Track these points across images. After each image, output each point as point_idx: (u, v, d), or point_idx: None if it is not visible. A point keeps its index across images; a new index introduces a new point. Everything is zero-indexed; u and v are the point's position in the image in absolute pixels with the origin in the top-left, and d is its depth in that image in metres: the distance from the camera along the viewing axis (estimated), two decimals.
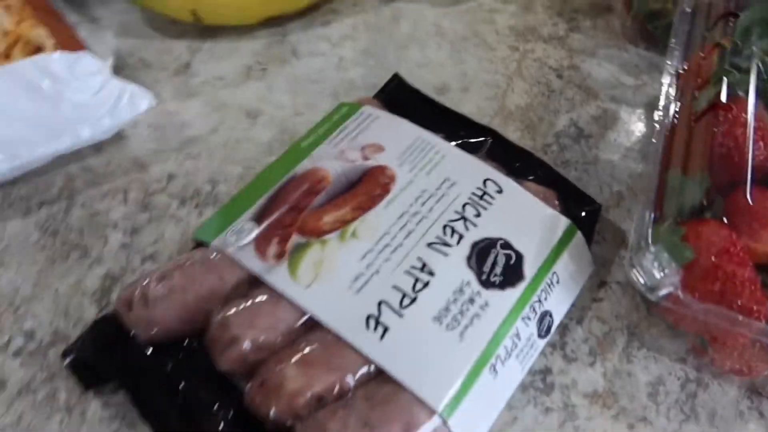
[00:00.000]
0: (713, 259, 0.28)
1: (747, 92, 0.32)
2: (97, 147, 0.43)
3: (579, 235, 0.36)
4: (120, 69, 0.49)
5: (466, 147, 0.40)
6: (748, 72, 0.34)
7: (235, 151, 0.44)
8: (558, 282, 0.35)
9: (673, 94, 0.36)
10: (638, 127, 0.47)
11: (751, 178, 0.31)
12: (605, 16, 0.56)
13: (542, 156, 0.44)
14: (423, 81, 0.49)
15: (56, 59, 0.37)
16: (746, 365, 0.32)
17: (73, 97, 0.38)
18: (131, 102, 0.41)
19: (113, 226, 0.40)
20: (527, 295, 0.33)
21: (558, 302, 0.35)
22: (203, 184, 0.42)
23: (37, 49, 0.39)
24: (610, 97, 0.49)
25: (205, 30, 0.51)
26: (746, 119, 0.32)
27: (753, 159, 0.31)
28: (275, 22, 0.52)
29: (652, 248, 0.28)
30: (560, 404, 0.34)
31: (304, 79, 0.49)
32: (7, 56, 0.38)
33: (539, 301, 0.34)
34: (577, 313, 0.37)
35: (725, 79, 0.33)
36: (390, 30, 0.53)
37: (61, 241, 0.39)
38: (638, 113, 0.48)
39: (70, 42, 0.40)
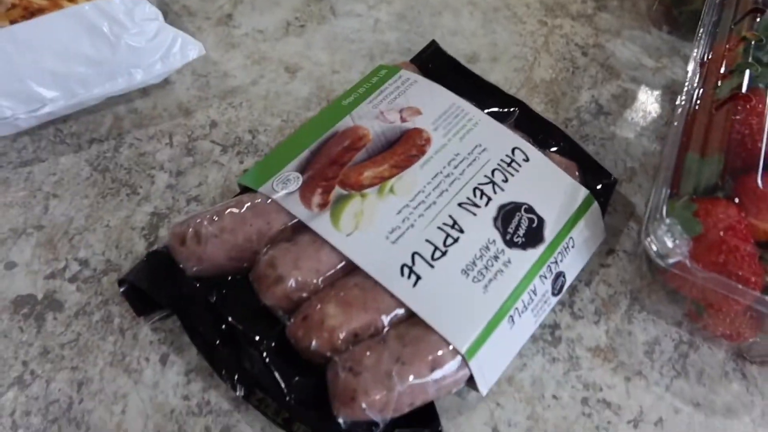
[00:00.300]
0: (720, 233, 0.32)
1: (766, 85, 0.35)
2: (145, 91, 0.45)
3: (595, 205, 0.39)
4: (164, 15, 0.50)
5: (495, 116, 0.43)
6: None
7: (275, 104, 0.46)
8: (573, 246, 0.38)
9: (697, 81, 0.38)
10: (655, 109, 0.50)
11: (763, 164, 0.34)
12: None
13: (563, 129, 0.47)
14: (454, 49, 0.51)
15: (117, 3, 0.39)
16: (736, 331, 0.36)
17: (130, 41, 0.40)
18: (182, 50, 0.43)
19: (160, 168, 0.43)
20: (546, 256, 0.36)
21: (571, 264, 0.38)
22: (244, 134, 0.45)
23: None
24: (631, 78, 0.52)
25: None
26: (763, 110, 0.34)
27: (766, 146, 0.34)
28: None
29: (666, 220, 0.31)
30: (566, 355, 0.37)
31: (341, 38, 0.51)
32: None
33: (555, 262, 0.37)
34: (586, 276, 0.40)
35: (747, 71, 0.35)
36: None
37: (111, 178, 0.42)
38: (656, 95, 0.51)
39: None
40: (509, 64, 0.51)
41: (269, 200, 0.36)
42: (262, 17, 0.51)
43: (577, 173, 0.41)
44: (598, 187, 0.42)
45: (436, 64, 0.46)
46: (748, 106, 0.34)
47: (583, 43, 0.53)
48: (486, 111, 0.43)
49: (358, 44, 0.51)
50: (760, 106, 0.34)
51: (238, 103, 0.46)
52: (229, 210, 0.36)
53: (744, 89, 0.35)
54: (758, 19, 0.39)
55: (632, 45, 0.54)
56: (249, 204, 0.36)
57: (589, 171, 0.42)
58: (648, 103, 0.50)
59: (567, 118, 0.48)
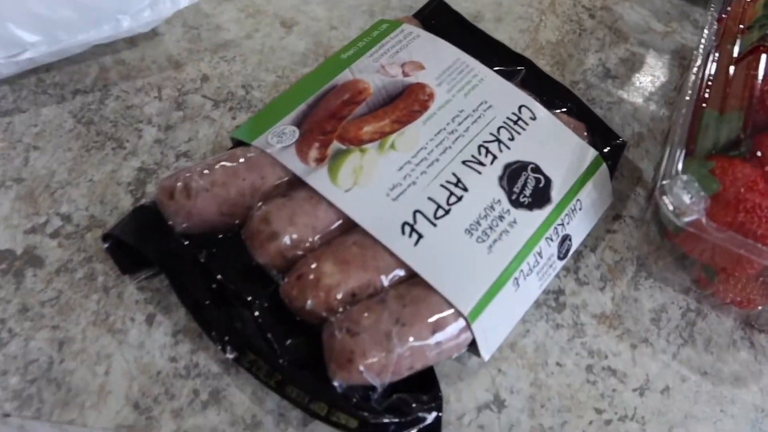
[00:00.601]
0: (739, 191, 0.30)
1: None
2: (132, 41, 0.43)
3: (604, 166, 0.38)
4: None
5: (501, 74, 0.41)
6: None
7: (270, 59, 0.44)
8: (581, 209, 0.36)
9: (714, 38, 0.36)
10: (664, 73, 0.48)
11: None
12: None
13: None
14: (458, 7, 0.49)
15: None
16: (747, 297, 0.34)
17: None
18: None
19: (147, 121, 0.40)
20: (552, 217, 0.35)
21: (578, 228, 0.36)
22: (237, 89, 0.42)
23: None
24: (639, 42, 0.50)
25: None
26: None
27: None
28: None
29: (683, 176, 0.30)
30: (570, 322, 0.36)
31: None
32: None
33: (562, 224, 0.35)
34: (591, 241, 0.39)
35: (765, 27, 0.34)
36: None
37: (96, 131, 0.40)
38: (665, 60, 0.49)
39: None
40: (514, 24, 0.49)
41: (263, 154, 0.34)
42: None
43: (585, 134, 0.39)
44: (607, 149, 0.40)
45: (439, 20, 0.44)
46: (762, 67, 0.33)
47: (590, 5, 0.51)
48: (492, 69, 0.41)
49: (357, 0, 0.48)
50: None
51: (231, 57, 0.44)
52: (220, 163, 0.34)
53: (761, 46, 0.34)
54: None
55: (641, 8, 0.52)
56: (242, 157, 0.35)
57: (598, 132, 0.40)
58: (656, 67, 0.49)
59: (573, 81, 0.46)
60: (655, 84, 0.47)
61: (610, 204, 0.39)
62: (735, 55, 0.34)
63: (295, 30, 0.46)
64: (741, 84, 0.32)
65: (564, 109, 0.41)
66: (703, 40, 0.37)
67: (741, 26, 0.36)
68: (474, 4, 0.50)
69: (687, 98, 0.34)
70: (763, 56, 0.32)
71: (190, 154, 0.39)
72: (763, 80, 0.32)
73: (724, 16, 0.38)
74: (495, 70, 0.41)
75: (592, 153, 0.38)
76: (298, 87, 0.38)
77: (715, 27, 0.37)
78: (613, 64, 0.48)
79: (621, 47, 0.49)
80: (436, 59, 0.39)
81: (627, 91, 0.47)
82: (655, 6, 0.52)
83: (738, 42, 0.34)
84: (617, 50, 0.49)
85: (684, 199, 0.29)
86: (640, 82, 0.47)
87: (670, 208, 0.29)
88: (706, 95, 0.34)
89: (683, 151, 0.32)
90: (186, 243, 0.34)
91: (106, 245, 0.34)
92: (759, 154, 0.30)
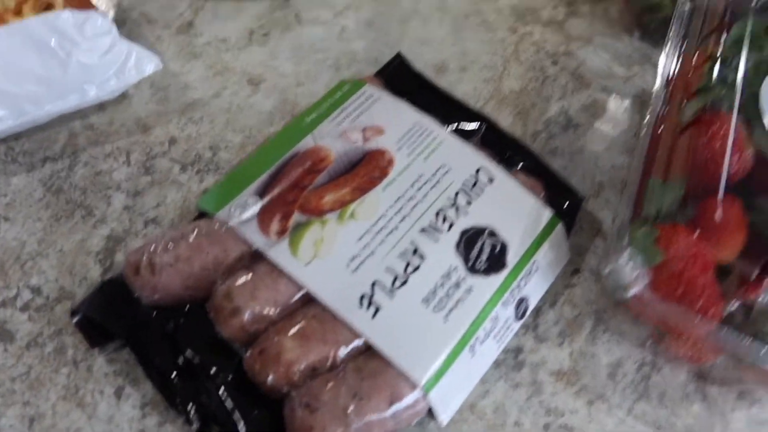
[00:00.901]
0: (679, 263, 0.31)
1: (730, 107, 0.35)
2: (101, 105, 0.44)
3: (560, 226, 0.39)
4: (122, 23, 0.49)
5: (460, 132, 0.42)
6: (734, 86, 0.36)
7: (237, 119, 0.45)
8: (537, 270, 0.37)
9: (662, 100, 0.38)
10: (624, 119, 0.49)
11: (724, 188, 0.34)
12: (605, 2, 0.57)
13: (531, 143, 0.47)
14: (423, 58, 0.50)
15: (66, 18, 0.38)
16: (697, 354, 0.36)
17: (81, 57, 0.38)
18: (138, 64, 0.41)
19: (116, 188, 0.41)
20: (508, 281, 0.36)
21: (535, 288, 0.38)
22: (204, 151, 0.43)
23: (48, 6, 0.39)
24: (601, 87, 0.51)
25: None
26: (726, 133, 0.34)
27: (728, 171, 0.34)
28: None
29: (626, 250, 0.31)
30: (529, 380, 0.37)
31: (307, 47, 0.50)
32: (17, 12, 0.38)
33: (518, 287, 0.36)
34: (550, 297, 0.40)
35: (712, 92, 0.35)
36: (394, 1, 0.54)
37: (66, 199, 0.41)
38: (626, 105, 0.50)
39: (79, 0, 0.40)
40: (478, 74, 0.50)
41: (226, 227, 0.35)
42: (224, 25, 0.50)
43: (542, 193, 0.40)
44: (565, 205, 0.41)
45: (401, 78, 0.45)
46: (711, 130, 0.34)
47: (553, 51, 0.53)
48: (452, 127, 0.42)
49: (324, 53, 0.49)
50: (724, 129, 0.34)
51: (198, 117, 0.45)
52: (184, 237, 0.35)
53: (708, 112, 0.35)
54: (724, 36, 0.38)
55: (603, 53, 0.53)
56: (206, 231, 0.36)
57: (556, 189, 0.42)
58: (618, 113, 0.50)
59: (536, 131, 0.48)
60: (616, 131, 0.49)
61: (568, 260, 0.40)
62: (681, 121, 0.35)
63: (262, 87, 0.47)
64: (683, 154, 0.33)
65: (523, 166, 0.42)
66: (651, 102, 0.38)
67: (688, 90, 0.37)
68: (439, 54, 0.51)
69: (635, 165, 0.35)
70: (704, 127, 0.33)
71: (159, 220, 0.40)
72: (703, 149, 0.33)
73: (675, 74, 0.39)
74: (456, 128, 0.42)
75: (547, 213, 0.39)
76: (262, 153, 0.39)
77: (665, 89, 0.38)
78: (576, 112, 0.49)
79: (583, 93, 0.50)
80: (396, 123, 0.40)
81: (589, 139, 0.48)
82: (617, 49, 0.53)
83: (684, 107, 0.35)
84: (579, 97, 0.50)
85: (627, 275, 0.30)
86: (602, 130, 0.48)
87: (614, 283, 0.31)
88: (653, 161, 0.35)
89: (629, 219, 0.33)
90: (154, 314, 0.35)
91: (74, 320, 0.35)
92: (700, 225, 0.31)
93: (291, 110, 0.46)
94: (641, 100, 0.51)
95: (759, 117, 0.34)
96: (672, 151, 0.34)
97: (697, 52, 0.40)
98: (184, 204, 0.41)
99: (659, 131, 0.37)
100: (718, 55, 0.37)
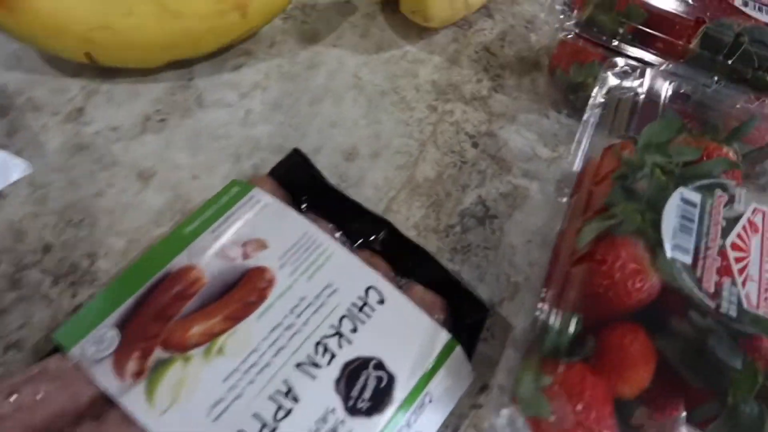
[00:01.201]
0: (572, 416, 0.28)
1: (631, 231, 0.32)
2: None
3: (458, 349, 0.36)
4: (7, 110, 0.45)
5: (357, 239, 0.39)
6: (636, 203, 0.33)
7: (122, 220, 0.42)
8: (431, 401, 0.34)
9: (564, 214, 0.35)
10: (545, 209, 0.46)
11: (623, 318, 0.31)
12: (532, 74, 0.54)
13: (443, 239, 0.44)
14: (333, 142, 0.47)
15: None
16: None
17: None
18: (3, 171, 0.38)
19: None
20: (396, 419, 0.33)
21: (429, 422, 0.34)
22: (81, 259, 0.40)
23: None
24: (522, 172, 0.48)
25: (104, 68, 0.48)
26: (624, 262, 0.31)
27: (627, 300, 0.31)
28: (182, 63, 0.49)
29: (506, 411, 0.28)
30: None
31: (206, 134, 0.46)
32: None
33: (408, 425, 0.33)
34: (453, 420, 0.37)
35: (612, 215, 0.32)
36: (305, 79, 0.51)
37: None
38: (548, 192, 0.47)
39: None
40: (391, 160, 0.47)
41: (78, 367, 0.32)
42: (118, 111, 0.46)
43: (442, 312, 0.37)
44: (469, 320, 0.38)
45: (297, 178, 0.41)
46: (608, 259, 0.31)
47: (474, 131, 0.50)
48: (347, 234, 0.39)
49: (225, 141, 0.46)
50: (621, 257, 0.31)
51: (78, 220, 0.41)
52: (28, 381, 0.31)
53: (608, 237, 0.32)
54: (628, 147, 0.36)
55: (527, 132, 0.50)
56: (53, 372, 0.32)
57: (461, 302, 0.38)
58: (537, 202, 0.47)
59: (449, 224, 0.44)
60: (536, 222, 0.46)
61: (470, 382, 0.37)
62: (578, 246, 0.32)
63: (152, 182, 0.43)
64: (579, 283, 0.30)
65: (424, 277, 0.39)
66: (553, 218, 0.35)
67: (589, 208, 0.34)
68: (350, 138, 0.48)
69: (530, 293, 0.32)
70: (598, 260, 0.30)
71: (21, 344, 0.37)
72: (600, 277, 0.30)
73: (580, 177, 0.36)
74: (353, 233, 0.39)
75: (443, 336, 0.35)
76: (130, 273, 0.36)
77: (569, 199, 0.36)
78: (493, 201, 0.46)
79: (503, 179, 0.47)
80: (282, 235, 0.37)
81: (506, 232, 0.45)
82: (542, 127, 0.51)
83: (582, 231, 0.32)
84: (499, 184, 0.47)
85: None
86: (521, 221, 0.45)
87: None
88: (549, 291, 0.32)
89: (517, 364, 0.30)
90: None
91: None
92: (600, 361, 0.29)
93: (182, 208, 0.42)
94: (564, 186, 0.48)
95: (661, 243, 0.31)
96: (566, 283, 0.31)
97: (605, 155, 0.37)
98: (51, 324, 0.37)
99: (559, 250, 0.34)
100: (621, 170, 0.34)
